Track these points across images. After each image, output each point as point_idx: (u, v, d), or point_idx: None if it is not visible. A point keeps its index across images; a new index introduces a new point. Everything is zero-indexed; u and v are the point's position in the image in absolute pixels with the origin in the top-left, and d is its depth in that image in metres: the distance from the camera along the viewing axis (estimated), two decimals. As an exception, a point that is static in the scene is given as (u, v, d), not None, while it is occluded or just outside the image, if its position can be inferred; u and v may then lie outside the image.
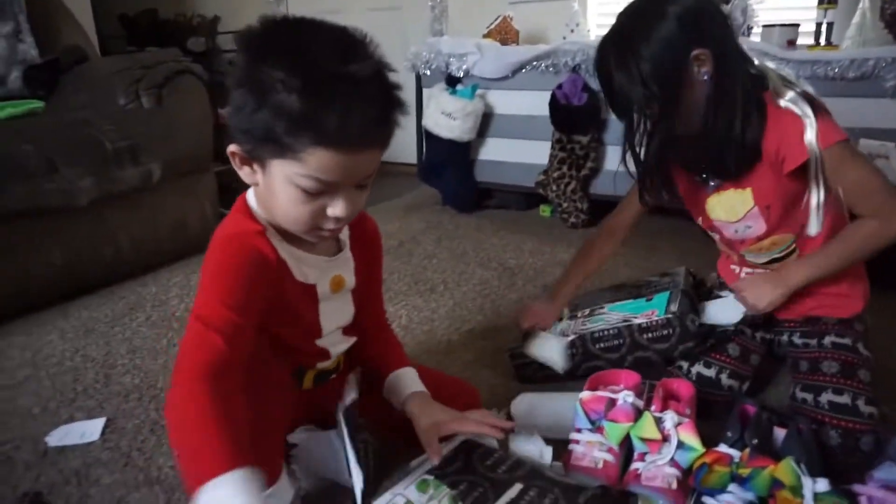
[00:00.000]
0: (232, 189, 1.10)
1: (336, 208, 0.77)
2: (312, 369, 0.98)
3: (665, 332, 1.18)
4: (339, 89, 0.70)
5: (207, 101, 2.23)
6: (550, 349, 1.27)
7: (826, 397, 1.04)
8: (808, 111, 1.03)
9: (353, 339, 1.01)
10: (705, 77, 1.05)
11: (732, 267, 1.31)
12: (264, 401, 0.84)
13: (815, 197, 1.07)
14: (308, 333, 0.93)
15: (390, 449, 1.03)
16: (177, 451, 0.76)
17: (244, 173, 0.81)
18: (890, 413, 1.14)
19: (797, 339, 1.21)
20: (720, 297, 1.26)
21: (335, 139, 0.71)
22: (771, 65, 1.14)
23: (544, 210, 2.56)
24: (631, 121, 1.11)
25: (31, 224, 1.72)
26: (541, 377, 1.30)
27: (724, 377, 1.16)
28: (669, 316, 1.19)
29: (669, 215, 1.87)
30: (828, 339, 1.15)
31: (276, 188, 0.77)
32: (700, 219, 1.27)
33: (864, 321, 1.20)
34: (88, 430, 1.21)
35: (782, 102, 1.06)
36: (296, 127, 0.71)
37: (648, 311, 1.23)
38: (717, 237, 1.29)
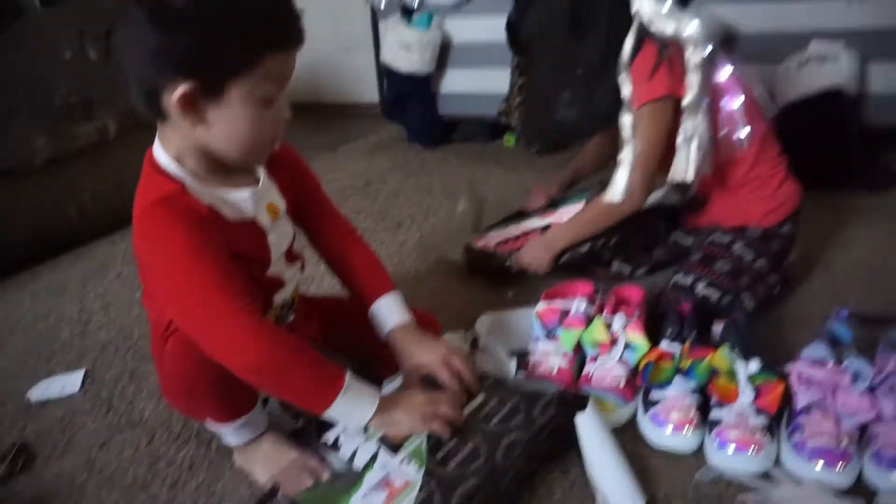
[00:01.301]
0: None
1: (284, 111, 0.84)
2: (271, 308, 0.98)
3: None
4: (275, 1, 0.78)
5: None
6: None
7: (675, 278, 1.19)
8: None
9: (298, 265, 1.02)
10: None
11: None
12: None
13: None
14: (259, 263, 0.93)
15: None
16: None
17: (188, 121, 0.79)
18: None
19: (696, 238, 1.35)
20: None
21: (287, 40, 0.79)
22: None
23: (508, 140, 2.56)
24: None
25: (-12, 188, 1.70)
26: (490, 271, 1.45)
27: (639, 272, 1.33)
28: None
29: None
30: (712, 237, 1.27)
31: (236, 112, 0.79)
32: None
33: (767, 232, 1.26)
34: (68, 382, 1.25)
35: None
36: (253, 41, 0.76)
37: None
38: None
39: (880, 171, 1.83)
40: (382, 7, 2.49)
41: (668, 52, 1.15)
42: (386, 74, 2.53)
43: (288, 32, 0.79)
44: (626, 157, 1.20)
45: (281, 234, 0.95)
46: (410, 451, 0.82)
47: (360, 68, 3.15)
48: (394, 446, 0.84)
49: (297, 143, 0.99)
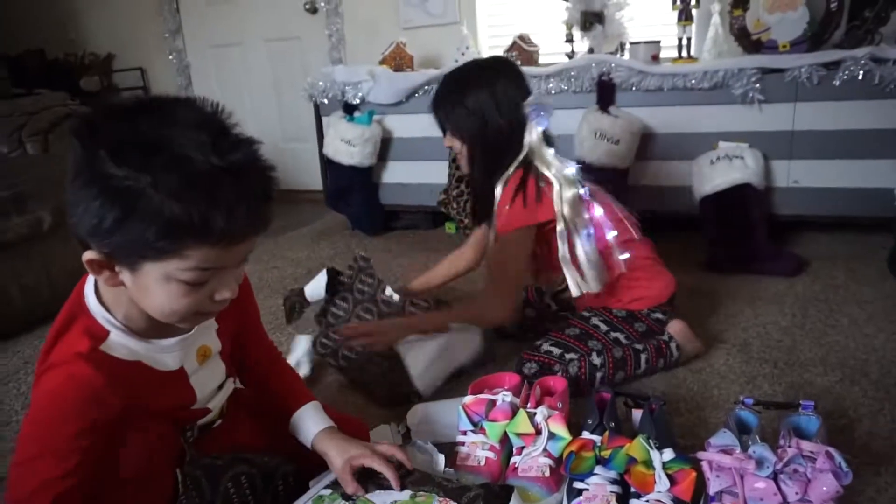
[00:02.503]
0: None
1: (224, 292, 0.74)
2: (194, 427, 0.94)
3: None
4: (220, 185, 0.65)
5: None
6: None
7: (539, 341, 1.34)
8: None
9: (230, 387, 0.98)
10: None
11: None
12: (148, 455, 0.81)
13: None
14: (182, 407, 0.88)
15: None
16: None
17: (103, 278, 0.71)
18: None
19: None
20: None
21: (221, 237, 0.67)
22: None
23: (449, 227, 2.65)
24: None
25: None
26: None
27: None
28: None
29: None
30: (589, 314, 1.39)
31: (152, 287, 0.70)
32: None
33: (632, 314, 1.39)
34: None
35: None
36: (176, 232, 0.64)
37: None
38: None
39: (790, 257, 1.98)
40: (326, 103, 2.60)
41: (527, 184, 1.28)
42: (329, 166, 2.62)
43: (216, 229, 0.65)
44: (489, 277, 1.40)
45: (208, 375, 0.91)
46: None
47: (305, 157, 3.25)
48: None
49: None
